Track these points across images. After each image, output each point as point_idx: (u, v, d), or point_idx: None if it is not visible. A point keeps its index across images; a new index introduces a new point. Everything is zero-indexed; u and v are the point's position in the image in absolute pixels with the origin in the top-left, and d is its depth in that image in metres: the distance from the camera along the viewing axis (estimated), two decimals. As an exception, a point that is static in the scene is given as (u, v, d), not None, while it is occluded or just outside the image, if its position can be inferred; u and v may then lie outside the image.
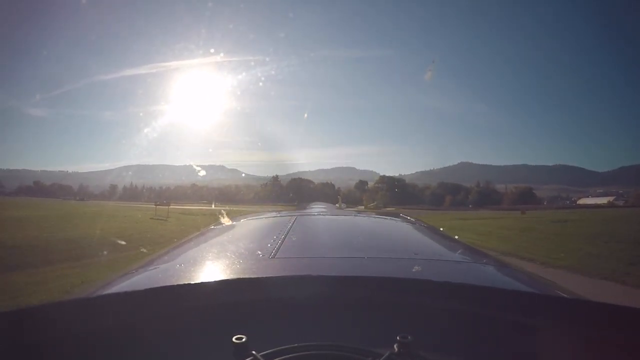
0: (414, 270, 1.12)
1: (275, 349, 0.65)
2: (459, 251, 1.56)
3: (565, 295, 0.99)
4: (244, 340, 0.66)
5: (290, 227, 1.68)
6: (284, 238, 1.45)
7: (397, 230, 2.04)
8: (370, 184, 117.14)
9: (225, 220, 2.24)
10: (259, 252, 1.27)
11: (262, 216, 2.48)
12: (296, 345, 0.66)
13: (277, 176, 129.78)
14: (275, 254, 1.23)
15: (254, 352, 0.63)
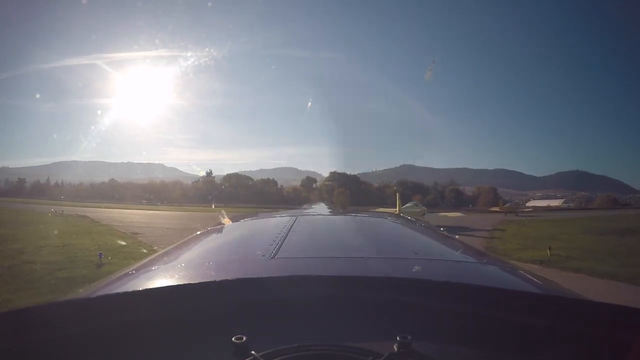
0: (414, 270, 1.12)
1: (275, 349, 0.65)
2: (459, 251, 1.55)
3: (566, 295, 0.98)
4: (244, 340, 0.66)
5: (291, 227, 1.67)
6: (285, 238, 1.45)
7: (397, 230, 2.04)
8: (320, 182, 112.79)
9: (225, 221, 2.23)
10: (260, 252, 1.27)
11: (262, 217, 2.48)
12: (296, 345, 0.66)
13: (210, 171, 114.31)
14: (275, 254, 1.23)
15: (253, 352, 0.64)
